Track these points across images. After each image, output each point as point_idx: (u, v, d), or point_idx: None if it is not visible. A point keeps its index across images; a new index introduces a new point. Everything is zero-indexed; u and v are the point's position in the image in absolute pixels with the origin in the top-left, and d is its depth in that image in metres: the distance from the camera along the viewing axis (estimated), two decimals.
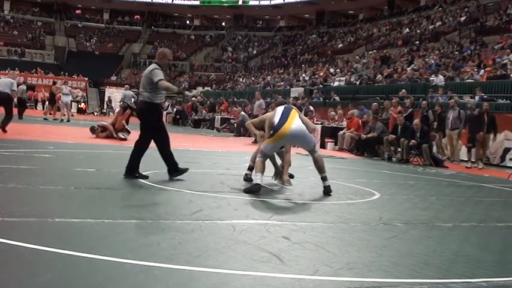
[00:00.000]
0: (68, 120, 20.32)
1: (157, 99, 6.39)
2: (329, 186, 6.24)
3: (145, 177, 6.36)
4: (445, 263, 3.49)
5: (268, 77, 36.79)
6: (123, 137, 13.40)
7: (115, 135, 13.40)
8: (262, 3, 49.84)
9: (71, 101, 22.34)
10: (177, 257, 3.15)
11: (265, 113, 16.09)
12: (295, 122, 6.19)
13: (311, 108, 18.43)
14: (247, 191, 5.93)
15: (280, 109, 6.39)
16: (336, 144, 16.44)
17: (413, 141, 12.78)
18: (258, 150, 7.08)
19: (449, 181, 9.50)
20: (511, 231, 5.10)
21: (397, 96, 17.19)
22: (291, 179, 6.87)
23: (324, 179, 6.26)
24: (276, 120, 6.25)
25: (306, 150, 6.46)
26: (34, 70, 40.12)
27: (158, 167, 7.95)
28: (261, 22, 55.50)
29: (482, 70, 18.12)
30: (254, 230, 4.03)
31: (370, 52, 31.30)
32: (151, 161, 9.13)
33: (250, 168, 6.93)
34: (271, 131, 6.27)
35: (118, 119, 14.15)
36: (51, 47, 49.35)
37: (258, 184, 5.92)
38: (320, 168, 6.25)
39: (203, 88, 41.37)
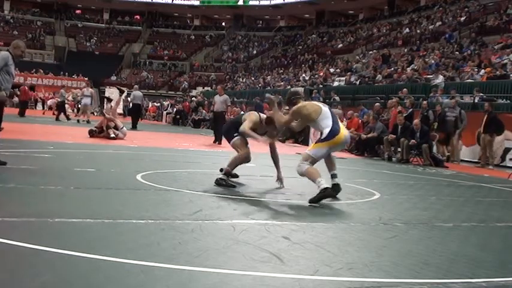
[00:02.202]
0: (88, 122, 20.18)
1: None
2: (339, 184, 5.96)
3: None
4: (445, 263, 3.49)
5: (268, 77, 36.80)
6: (112, 135, 13.37)
7: (104, 130, 13.42)
8: (262, 3, 49.84)
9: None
10: (177, 257, 3.15)
11: (233, 109, 15.22)
12: (343, 126, 5.93)
13: None
14: (317, 199, 5.39)
15: (326, 109, 5.84)
16: None
17: (413, 141, 12.79)
18: (240, 155, 6.48)
19: (449, 181, 9.50)
20: (511, 231, 5.10)
21: (397, 96, 17.21)
22: (236, 178, 6.66)
23: (334, 176, 6.00)
24: (329, 122, 5.66)
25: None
26: (34, 70, 40.09)
27: (158, 167, 7.96)
28: (261, 22, 55.48)
29: (483, 70, 18.13)
30: (254, 230, 4.03)
31: (370, 52, 31.30)
32: (151, 161, 9.15)
33: (227, 173, 6.39)
34: (325, 136, 5.62)
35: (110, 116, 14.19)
36: (51, 47, 49.36)
37: (328, 187, 5.46)
38: (335, 165, 6.07)
39: (203, 88, 41.38)
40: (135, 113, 20.88)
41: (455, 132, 13.75)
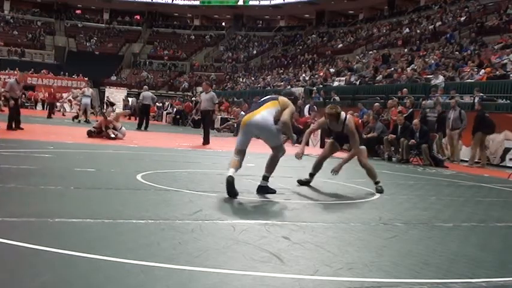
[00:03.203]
0: (88, 121, 20.28)
1: None
2: (263, 186, 5.90)
3: None
4: (445, 263, 3.49)
5: (268, 77, 36.81)
6: (112, 135, 13.40)
7: (103, 130, 13.46)
8: (262, 3, 49.86)
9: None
10: (177, 257, 3.15)
11: (220, 107, 14.43)
12: (263, 113, 5.73)
13: (315, 108, 18.51)
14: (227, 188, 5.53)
15: (263, 98, 6.16)
16: None
17: (412, 140, 12.79)
18: (322, 154, 7.11)
19: (449, 181, 9.50)
20: (511, 231, 5.10)
21: (397, 97, 17.22)
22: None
23: (264, 177, 5.93)
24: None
25: (269, 146, 6.06)
26: (32, 70, 40.06)
27: (158, 167, 7.96)
28: (261, 22, 55.51)
29: (483, 70, 18.15)
30: (254, 230, 4.03)
31: (370, 52, 31.31)
32: (151, 161, 9.15)
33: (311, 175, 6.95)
34: None
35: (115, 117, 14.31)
36: (51, 47, 49.38)
37: (228, 176, 5.53)
38: (267, 166, 5.97)
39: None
40: (144, 113, 20.55)
41: (438, 132, 13.99)
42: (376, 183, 6.91)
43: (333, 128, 6.86)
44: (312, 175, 6.98)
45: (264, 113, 5.74)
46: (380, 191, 6.74)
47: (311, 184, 7.00)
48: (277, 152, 5.93)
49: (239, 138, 5.92)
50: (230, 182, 5.47)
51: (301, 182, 6.90)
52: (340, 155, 6.96)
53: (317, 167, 7.00)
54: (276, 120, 5.74)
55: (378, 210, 5.53)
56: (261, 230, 4.04)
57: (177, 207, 4.79)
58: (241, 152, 5.80)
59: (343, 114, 6.62)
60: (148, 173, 6.84)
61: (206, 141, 14.14)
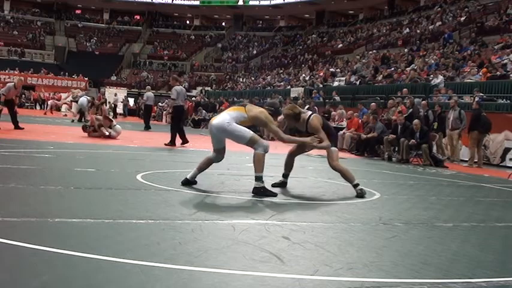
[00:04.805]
0: (86, 121, 20.51)
1: None
2: (258, 188, 5.70)
3: None
4: (445, 263, 3.49)
5: (268, 77, 36.80)
6: (106, 133, 13.45)
7: (96, 127, 13.59)
8: (262, 3, 49.87)
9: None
10: (177, 257, 3.15)
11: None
12: (220, 117, 5.87)
13: (316, 109, 18.51)
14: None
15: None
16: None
17: (412, 141, 12.79)
18: (289, 151, 6.76)
19: (449, 181, 9.49)
20: (511, 231, 5.10)
21: (397, 96, 17.21)
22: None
23: (255, 178, 5.74)
24: None
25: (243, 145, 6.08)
26: (31, 70, 40.06)
27: (157, 167, 7.96)
28: (261, 22, 55.51)
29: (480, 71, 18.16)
30: (254, 230, 4.03)
31: (370, 52, 31.30)
32: (151, 161, 9.15)
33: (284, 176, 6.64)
34: None
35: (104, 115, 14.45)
36: (51, 47, 49.38)
37: (185, 178, 6.06)
38: (253, 165, 5.77)
39: (203, 88, 41.43)
40: (147, 114, 20.70)
41: (438, 132, 14.08)
42: (355, 186, 6.29)
43: (298, 128, 6.52)
44: (285, 176, 6.65)
45: (224, 115, 5.91)
46: (360, 195, 6.21)
47: (311, 184, 7.00)
48: (256, 148, 5.79)
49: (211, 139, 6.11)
50: (185, 181, 6.05)
51: (276, 185, 6.51)
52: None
53: (288, 165, 6.67)
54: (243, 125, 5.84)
55: (378, 210, 5.53)
56: (261, 230, 4.04)
57: (177, 207, 4.79)
58: (216, 151, 6.07)
59: (305, 114, 6.35)
60: (148, 173, 6.84)
61: (171, 141, 12.90)
